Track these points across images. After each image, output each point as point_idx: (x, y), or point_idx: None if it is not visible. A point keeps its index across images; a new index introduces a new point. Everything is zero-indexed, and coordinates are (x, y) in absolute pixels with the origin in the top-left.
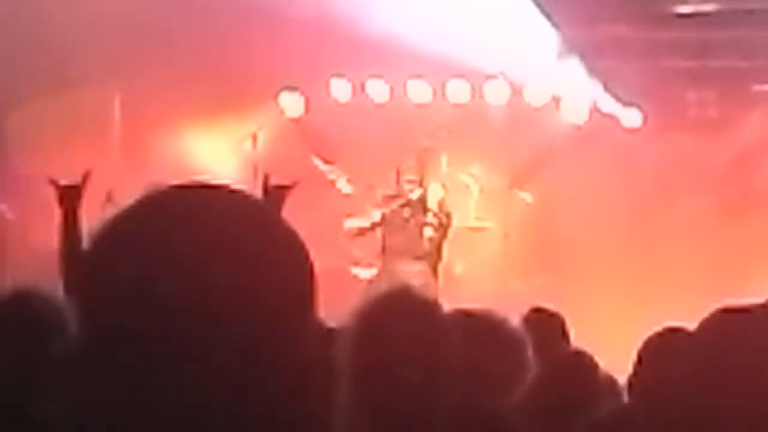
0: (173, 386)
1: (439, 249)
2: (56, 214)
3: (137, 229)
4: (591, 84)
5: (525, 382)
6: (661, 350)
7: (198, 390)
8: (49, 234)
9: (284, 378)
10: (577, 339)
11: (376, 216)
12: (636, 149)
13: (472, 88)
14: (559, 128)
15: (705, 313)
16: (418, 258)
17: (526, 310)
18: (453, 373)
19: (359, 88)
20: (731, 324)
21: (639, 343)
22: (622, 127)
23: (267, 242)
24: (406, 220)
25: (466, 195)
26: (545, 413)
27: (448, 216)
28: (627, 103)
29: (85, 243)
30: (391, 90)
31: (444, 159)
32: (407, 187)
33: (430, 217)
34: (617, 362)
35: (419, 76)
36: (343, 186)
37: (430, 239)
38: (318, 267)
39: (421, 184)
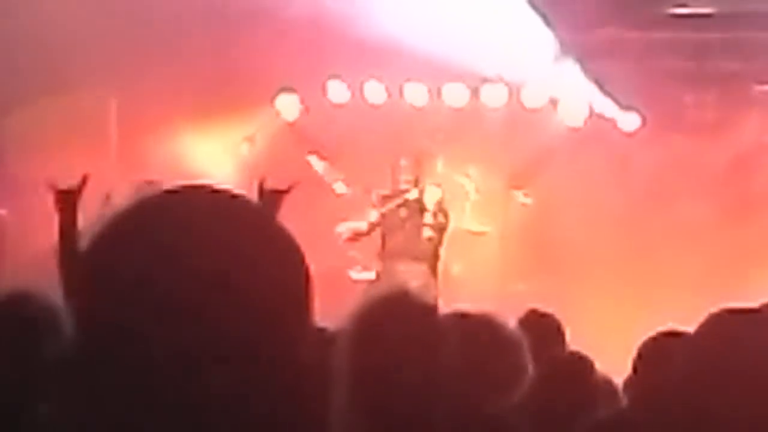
0: (171, 387)
1: (437, 249)
2: (54, 217)
3: (135, 232)
4: (588, 86)
5: (523, 384)
6: (659, 352)
7: (196, 391)
8: (47, 236)
9: (281, 380)
10: (574, 341)
11: (374, 216)
12: (634, 151)
13: (470, 90)
14: (557, 130)
15: (703, 316)
16: (417, 258)
17: (523, 312)
18: (451, 375)
19: (356, 90)
20: (729, 326)
21: (637, 346)
22: (619, 129)
23: (263, 245)
24: (404, 221)
25: (464, 197)
26: (543, 415)
27: (446, 215)
28: (624, 106)
29: (84, 245)
30: (388, 92)
31: (440, 161)
32: (404, 187)
33: (428, 217)
34: (615, 364)
35: (416, 79)
36: (340, 188)
37: (429, 239)
38: (315, 269)
39: (417, 185)
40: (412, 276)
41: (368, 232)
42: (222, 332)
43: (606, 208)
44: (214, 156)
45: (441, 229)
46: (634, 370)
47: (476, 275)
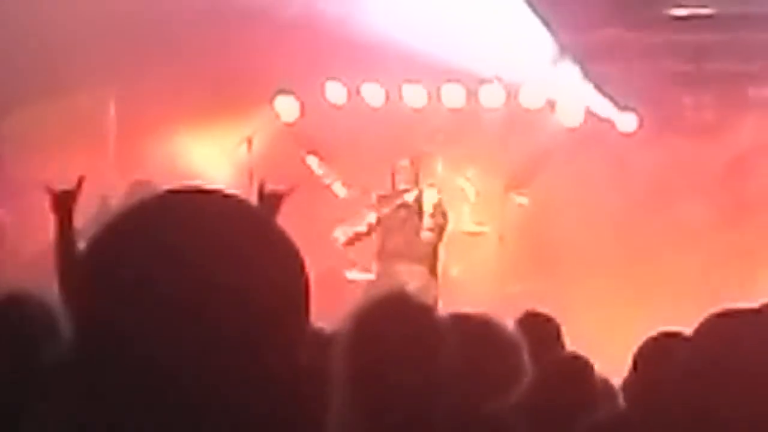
0: (169, 389)
1: (436, 250)
2: (53, 218)
3: (133, 233)
4: (586, 87)
5: (521, 386)
6: (658, 354)
7: (194, 392)
8: (46, 237)
9: (279, 381)
10: (572, 343)
11: (372, 218)
12: (631, 153)
13: (468, 91)
14: (555, 132)
15: (701, 317)
16: (416, 260)
17: (521, 313)
18: (449, 376)
19: (354, 92)
20: (727, 327)
21: (635, 347)
22: (617, 130)
23: (260, 247)
24: (403, 222)
25: (462, 198)
26: (542, 416)
27: (445, 216)
28: (622, 107)
29: (83, 247)
30: (387, 94)
31: (439, 163)
32: (402, 187)
33: (426, 220)
34: (613, 366)
35: (414, 80)
36: (339, 189)
37: (428, 241)
38: (314, 271)
39: (415, 185)
40: (411, 277)
41: (367, 234)
42: (220, 334)
43: (604, 209)
44: (213, 157)
45: (440, 230)
46: (633, 371)
47: (474, 276)
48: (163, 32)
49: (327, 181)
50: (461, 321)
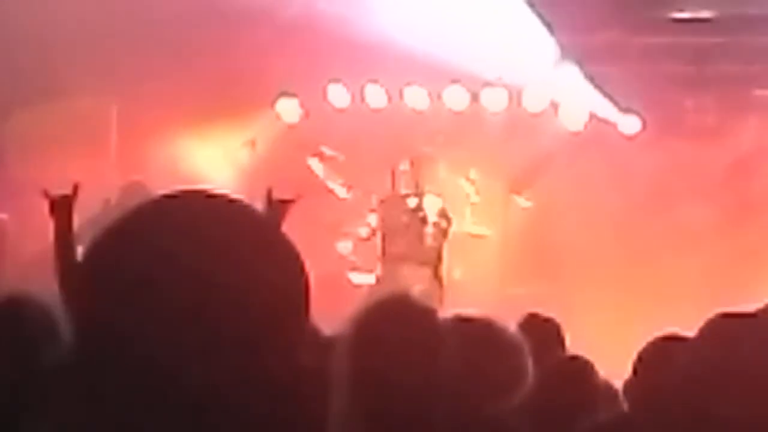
0: (170, 390)
1: (440, 252)
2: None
3: (135, 236)
4: (589, 90)
5: (523, 388)
6: (659, 357)
7: (195, 393)
8: (47, 240)
9: (279, 383)
10: (574, 345)
11: (373, 221)
12: (634, 155)
13: (470, 94)
14: (557, 134)
15: (703, 320)
16: (421, 262)
17: (523, 315)
18: (451, 378)
19: (357, 94)
20: (729, 330)
21: (637, 350)
22: (619, 133)
23: (260, 249)
24: (406, 227)
25: (464, 201)
26: (543, 418)
27: (448, 220)
28: (625, 110)
29: (84, 249)
30: (389, 96)
31: (442, 165)
32: (404, 192)
33: (429, 226)
34: (615, 368)
35: (417, 82)
36: (341, 191)
37: (432, 245)
38: (315, 273)
39: (417, 189)
40: (415, 280)
41: (369, 237)
42: (220, 335)
43: (606, 211)
44: (215, 160)
45: (444, 234)
46: (634, 373)
47: (476, 279)
48: (165, 34)
49: (329, 183)
50: (463, 323)
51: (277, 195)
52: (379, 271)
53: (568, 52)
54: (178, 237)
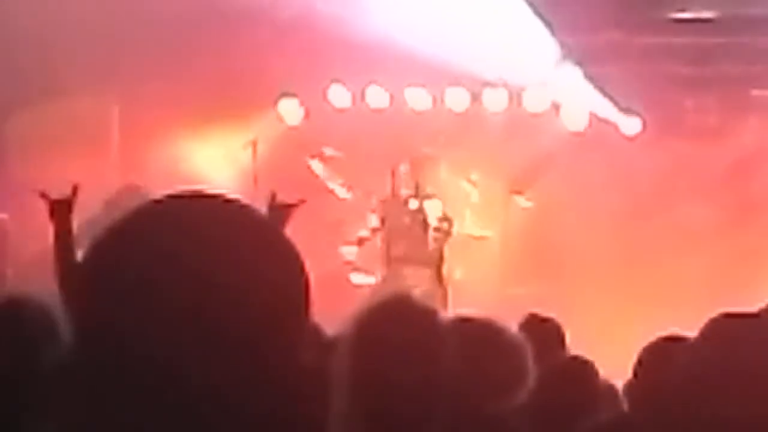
0: (170, 390)
1: (442, 253)
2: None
3: (134, 237)
4: (590, 91)
5: (524, 388)
6: (660, 357)
7: (195, 393)
8: (48, 240)
9: (280, 383)
10: (575, 345)
11: (374, 222)
12: (634, 156)
13: (471, 94)
14: (558, 135)
15: (704, 320)
16: (423, 263)
17: (523, 316)
18: (451, 378)
19: (358, 95)
20: (730, 330)
21: (638, 350)
22: (620, 133)
23: (260, 249)
24: (408, 229)
25: (465, 201)
26: (544, 419)
27: (450, 223)
28: (626, 110)
29: (85, 250)
30: (390, 97)
31: (443, 167)
32: (404, 193)
33: (431, 230)
34: (616, 369)
35: (418, 83)
36: (342, 192)
37: (434, 247)
38: (317, 273)
39: (417, 191)
40: (417, 281)
41: (370, 238)
42: (220, 335)
43: (607, 212)
44: (216, 160)
45: (446, 235)
46: (635, 374)
47: (477, 279)
48: (166, 34)
49: (330, 183)
50: (464, 323)
51: (279, 197)
52: (381, 272)
53: (568, 52)
54: (178, 237)
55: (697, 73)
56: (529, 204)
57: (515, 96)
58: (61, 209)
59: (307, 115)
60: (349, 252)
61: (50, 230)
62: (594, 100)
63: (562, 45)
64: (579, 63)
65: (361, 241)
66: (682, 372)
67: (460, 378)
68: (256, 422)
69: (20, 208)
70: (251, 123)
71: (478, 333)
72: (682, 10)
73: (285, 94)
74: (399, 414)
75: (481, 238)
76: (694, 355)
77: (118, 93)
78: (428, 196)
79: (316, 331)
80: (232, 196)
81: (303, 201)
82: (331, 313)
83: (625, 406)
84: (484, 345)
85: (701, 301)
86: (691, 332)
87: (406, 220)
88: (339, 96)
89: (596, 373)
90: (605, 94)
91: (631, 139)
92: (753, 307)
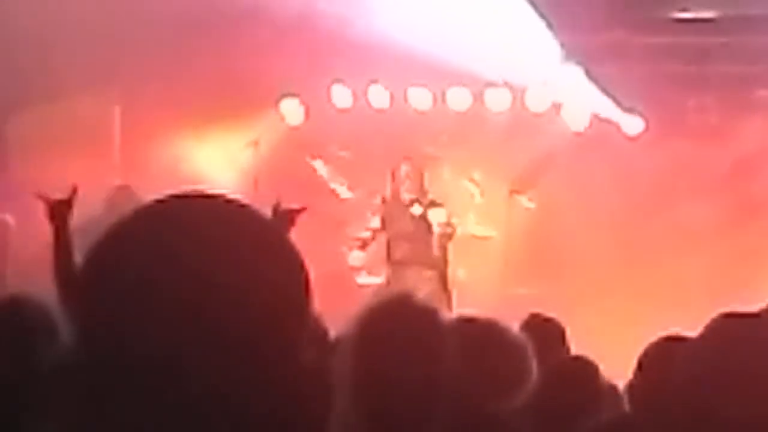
0: (171, 389)
1: (446, 255)
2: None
3: (134, 238)
4: (591, 90)
5: (527, 388)
6: (662, 357)
7: (195, 392)
8: (48, 241)
9: (281, 382)
10: (577, 345)
11: (376, 223)
12: (636, 155)
13: (473, 94)
14: (560, 134)
15: (706, 320)
16: (427, 265)
17: (526, 316)
18: (453, 378)
19: (360, 95)
20: (731, 331)
21: (639, 350)
22: (622, 133)
23: (260, 249)
24: (411, 233)
25: (468, 202)
26: (546, 419)
27: (453, 228)
28: (627, 110)
29: (85, 251)
30: (392, 96)
31: (446, 167)
32: (406, 197)
33: (435, 236)
34: (618, 369)
35: (420, 83)
36: (344, 192)
37: (438, 250)
38: (320, 273)
39: (420, 195)
40: (421, 282)
41: (372, 239)
42: (221, 335)
43: (609, 211)
44: (217, 161)
45: (449, 238)
46: (636, 373)
47: (479, 279)
48: (167, 35)
49: (333, 183)
50: (466, 323)
51: (281, 198)
52: (385, 273)
53: (570, 52)
54: (178, 237)
55: (698, 72)
56: (531, 204)
57: (517, 96)
58: (60, 210)
59: (308, 115)
60: (356, 257)
61: (50, 231)
62: (595, 100)
63: (564, 45)
64: (580, 63)
65: (363, 245)
66: (682, 372)
67: (461, 378)
68: (256, 422)
69: (20, 208)
70: (252, 123)
71: (479, 333)
72: (684, 10)
73: (286, 94)
74: (400, 414)
75: (484, 237)
76: (695, 355)
77: (118, 93)
78: (433, 205)
79: (317, 330)
80: (232, 196)
81: (304, 208)
82: (335, 313)
83: (626, 406)
84: (486, 345)
85: (702, 301)
86: (692, 332)
87: (409, 223)
88: (341, 96)
89: (598, 373)
90: (607, 93)
91: (632, 138)
92: (753, 307)
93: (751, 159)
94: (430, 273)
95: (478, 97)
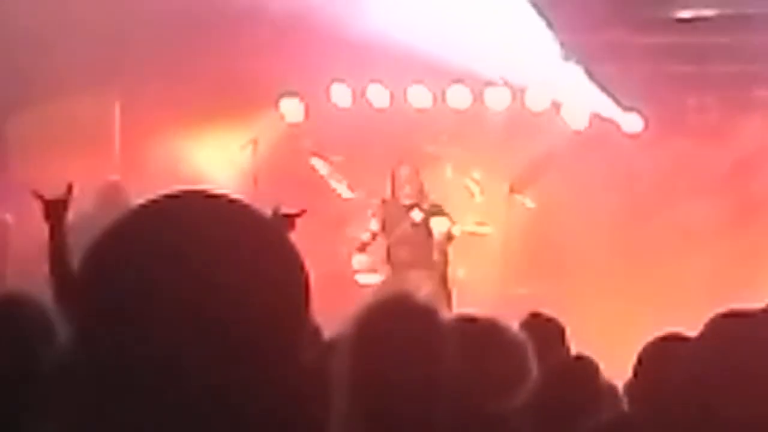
0: (170, 389)
1: (446, 256)
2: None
3: (134, 237)
4: (591, 89)
5: (526, 388)
6: (662, 355)
7: (196, 392)
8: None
9: (280, 383)
10: (576, 345)
11: (374, 225)
12: (636, 154)
13: (473, 93)
14: (560, 133)
15: (705, 319)
16: (427, 267)
17: (525, 315)
18: (453, 378)
19: (359, 94)
20: (732, 329)
21: (639, 349)
22: (622, 132)
23: (260, 249)
24: (411, 236)
25: (468, 201)
26: (546, 419)
27: (451, 237)
28: (627, 109)
29: (83, 251)
30: (392, 95)
31: (447, 166)
32: (406, 202)
33: (435, 238)
34: (617, 368)
35: (419, 82)
36: (343, 191)
37: (438, 251)
38: (321, 273)
39: (420, 199)
40: (422, 282)
41: (372, 241)
42: (221, 335)
43: (608, 210)
44: (217, 160)
45: (449, 239)
46: (635, 373)
47: (479, 279)
48: (167, 35)
49: (332, 183)
50: (466, 323)
51: (281, 199)
52: (385, 273)
53: (570, 51)
54: (178, 237)
55: (698, 71)
56: (530, 202)
57: (517, 95)
58: (55, 209)
59: (308, 114)
60: (361, 261)
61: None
62: (595, 99)
63: (564, 44)
64: (580, 62)
65: (363, 247)
66: (682, 371)
67: (461, 377)
68: (256, 422)
69: (20, 208)
70: (252, 122)
71: (479, 332)
72: (683, 9)
73: (286, 93)
74: (400, 414)
75: (481, 234)
76: (695, 355)
77: (118, 93)
78: (434, 212)
79: (316, 330)
80: (232, 195)
81: (304, 211)
82: (335, 312)
83: (626, 406)
84: (486, 344)
85: (702, 300)
86: (693, 331)
87: (409, 228)
88: (340, 95)
89: (598, 373)
90: (606, 92)
91: (632, 137)
92: (756, 305)
93: (751, 158)
94: (430, 274)
95: (478, 96)
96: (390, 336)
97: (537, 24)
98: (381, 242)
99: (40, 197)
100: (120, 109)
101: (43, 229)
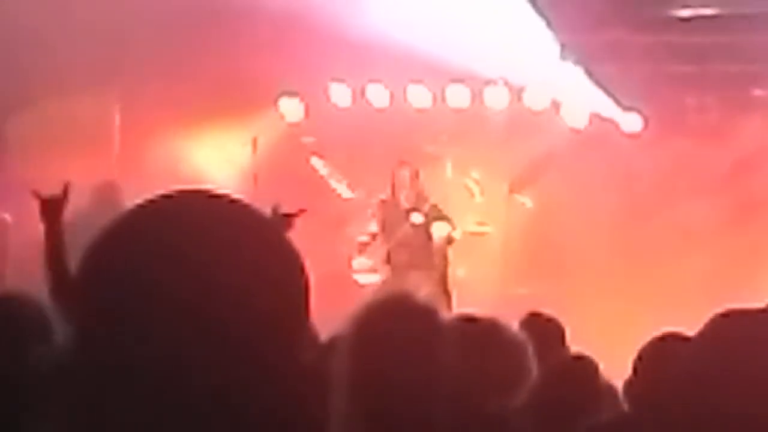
0: (170, 389)
1: (446, 259)
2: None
3: (133, 237)
4: (591, 89)
5: (526, 387)
6: (661, 355)
7: (195, 391)
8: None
9: (279, 383)
10: (576, 344)
11: (374, 227)
12: (636, 154)
13: (472, 92)
14: (559, 133)
15: (705, 319)
16: (427, 267)
17: (524, 315)
18: (452, 377)
19: (359, 93)
20: (731, 329)
21: (638, 348)
22: (621, 131)
23: (260, 249)
24: (411, 238)
25: (467, 200)
26: (546, 418)
27: (451, 240)
28: (627, 108)
29: (83, 251)
30: (391, 95)
31: (449, 166)
32: (405, 205)
33: (435, 242)
34: (616, 368)
35: (419, 81)
36: (343, 191)
37: (437, 253)
38: (321, 273)
39: (418, 200)
40: (422, 282)
41: (371, 243)
42: (220, 335)
43: (608, 210)
44: (217, 160)
45: (449, 242)
46: (635, 372)
47: (478, 278)
48: (166, 35)
49: (332, 182)
50: (465, 322)
51: (280, 199)
52: (385, 274)
53: (569, 50)
54: (178, 237)
55: (698, 71)
56: (529, 202)
57: (516, 94)
58: (51, 207)
59: (307, 113)
60: (362, 263)
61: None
62: (595, 99)
63: (563, 43)
64: (580, 61)
65: (362, 249)
66: (681, 370)
67: (461, 377)
68: (256, 422)
69: (20, 208)
70: (252, 122)
71: (479, 332)
72: (683, 9)
73: (285, 93)
74: (400, 414)
75: (480, 234)
76: (694, 354)
77: (118, 93)
78: (435, 216)
79: (315, 330)
80: (232, 195)
81: (304, 211)
82: (335, 312)
83: (626, 406)
84: (486, 344)
85: (701, 300)
86: (693, 331)
87: (409, 230)
88: (340, 94)
89: (598, 373)
90: (606, 92)
91: (632, 137)
92: (756, 305)
93: (751, 158)
94: (430, 274)
95: (478, 96)
96: (390, 336)
97: (536, 23)
98: (381, 243)
99: (37, 195)
100: (120, 109)
101: (41, 229)
